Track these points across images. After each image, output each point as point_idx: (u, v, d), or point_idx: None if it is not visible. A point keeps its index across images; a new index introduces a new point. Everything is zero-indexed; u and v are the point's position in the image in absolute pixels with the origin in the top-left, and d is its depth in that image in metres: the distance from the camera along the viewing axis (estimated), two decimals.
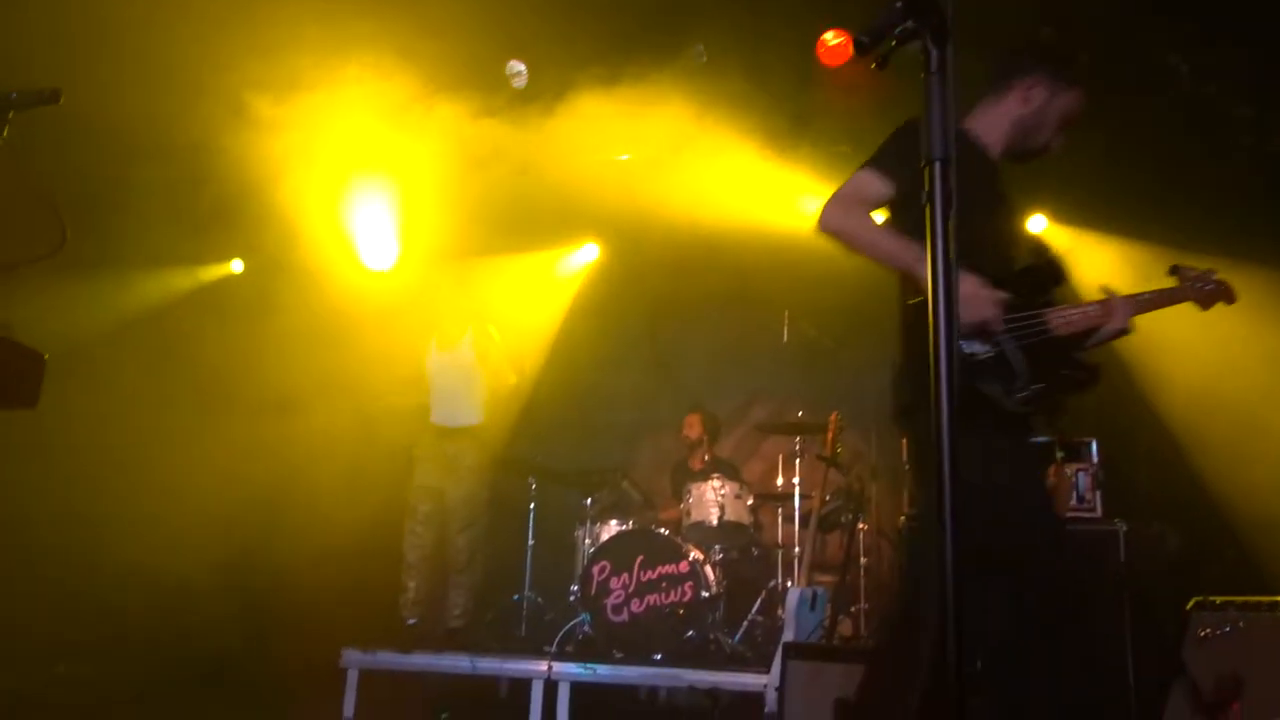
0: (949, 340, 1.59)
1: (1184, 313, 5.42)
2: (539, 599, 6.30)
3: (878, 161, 2.63)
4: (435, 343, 6.15)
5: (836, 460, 5.14)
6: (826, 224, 2.61)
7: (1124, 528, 4.18)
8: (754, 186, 6.54)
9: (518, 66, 5.98)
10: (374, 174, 6.67)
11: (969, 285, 2.44)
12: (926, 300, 2.33)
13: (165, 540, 5.72)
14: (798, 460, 5.95)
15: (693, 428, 6.64)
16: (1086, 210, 6.10)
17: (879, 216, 2.73)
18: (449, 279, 6.56)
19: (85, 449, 5.81)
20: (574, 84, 5.81)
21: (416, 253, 6.96)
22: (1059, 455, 4.07)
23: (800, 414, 6.47)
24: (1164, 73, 5.12)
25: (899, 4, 1.58)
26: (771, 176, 6.50)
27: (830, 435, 5.15)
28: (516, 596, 6.30)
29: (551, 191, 6.74)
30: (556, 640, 5.51)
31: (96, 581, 5.53)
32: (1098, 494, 4.29)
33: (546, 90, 5.95)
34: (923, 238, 2.36)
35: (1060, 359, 2.59)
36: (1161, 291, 2.87)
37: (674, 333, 7.61)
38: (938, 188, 1.57)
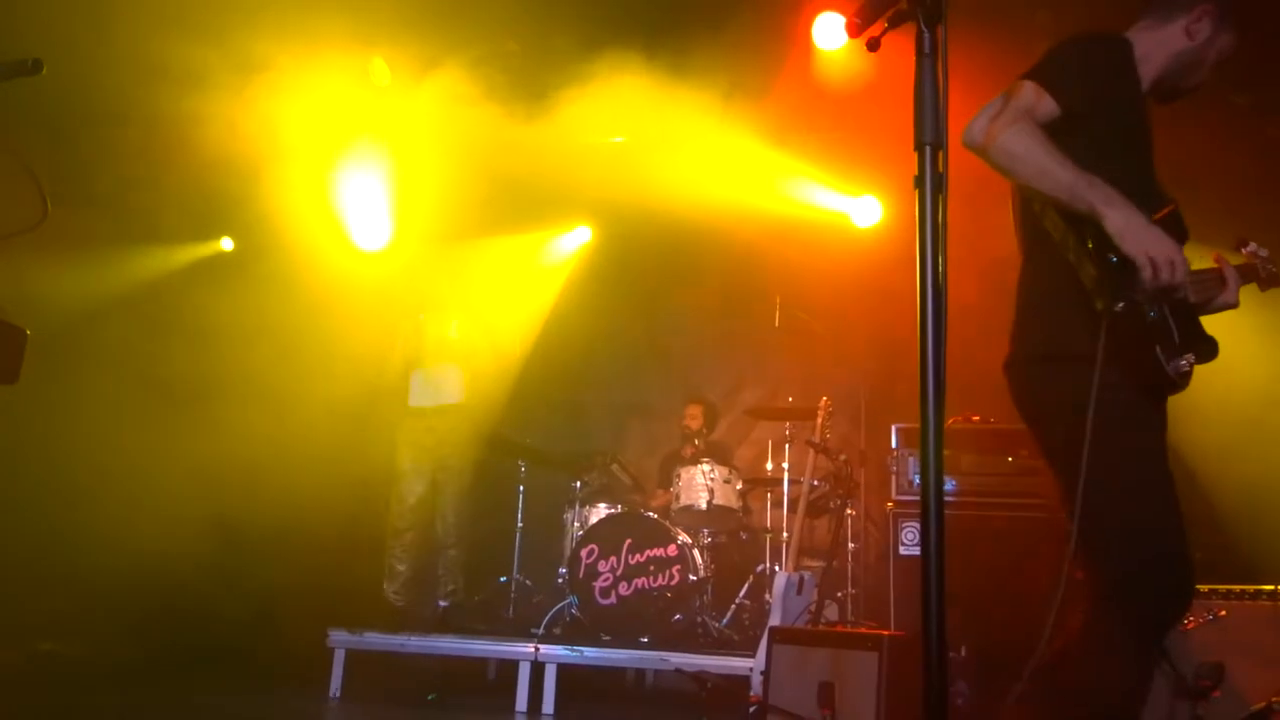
0: (937, 328, 1.58)
1: None
2: (527, 581, 6.30)
3: (1045, 75, 2.25)
4: (424, 321, 6.14)
5: (826, 445, 5.14)
6: (985, 138, 2.16)
7: None
8: (747, 171, 6.52)
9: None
10: (366, 155, 6.63)
11: (1170, 243, 2.11)
12: (1107, 244, 2.10)
13: (149, 519, 5.70)
14: (787, 445, 5.96)
15: (695, 419, 6.63)
16: None
17: None
18: (441, 260, 6.54)
19: (66, 428, 5.78)
20: (568, 66, 5.77)
21: (409, 234, 6.92)
22: None
23: (790, 399, 6.47)
24: None
25: None
26: (764, 161, 6.48)
27: (820, 420, 5.15)
28: (504, 578, 6.30)
29: (545, 174, 6.71)
30: (544, 622, 5.52)
31: (80, 561, 5.51)
32: None
33: (541, 72, 5.91)
34: (1089, 167, 2.14)
35: (1195, 328, 2.31)
36: (1242, 266, 2.66)
37: (666, 316, 7.60)
38: (928, 172, 1.57)
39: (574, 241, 7.73)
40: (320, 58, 5.82)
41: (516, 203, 6.98)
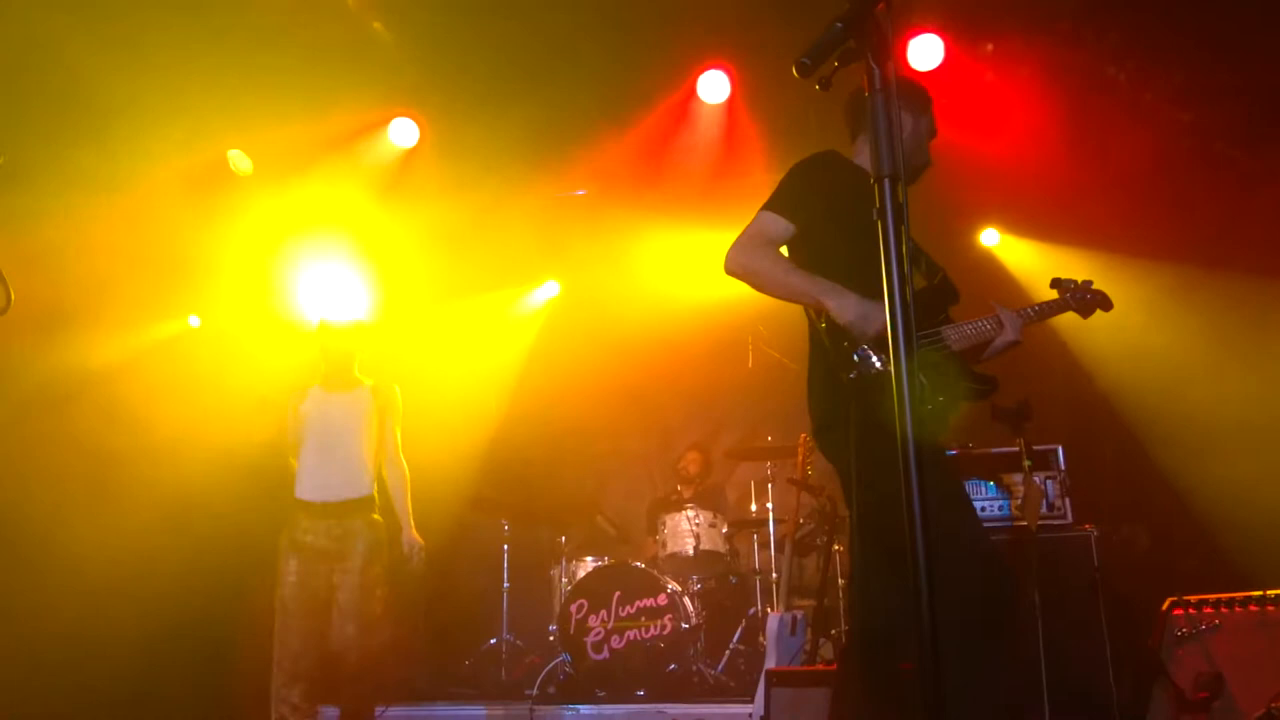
0: (907, 351, 1.59)
1: (1143, 317, 5.50)
2: (518, 641, 6.21)
3: (776, 202, 2.75)
4: (320, 385, 4.59)
5: (808, 483, 5.13)
6: (734, 266, 2.69)
7: (1095, 533, 4.21)
8: (712, 210, 6.57)
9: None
10: (333, 225, 6.59)
11: (878, 309, 2.46)
12: (836, 325, 2.50)
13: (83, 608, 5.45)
14: (770, 485, 5.94)
15: (694, 463, 6.62)
16: (1039, 221, 6.18)
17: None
18: (411, 326, 6.49)
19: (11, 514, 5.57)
20: (527, 122, 5.81)
21: (377, 303, 6.86)
22: (1027, 464, 4.09)
23: (769, 438, 6.47)
24: (1102, 80, 5.23)
25: (839, 25, 1.59)
26: (729, 198, 6.53)
27: (800, 457, 5.15)
28: (494, 640, 6.20)
29: (508, 231, 6.73)
30: (538, 682, 5.43)
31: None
32: (1067, 500, 4.31)
33: (502, 128, 5.93)
34: (823, 270, 2.60)
35: (959, 373, 2.75)
36: (1045, 304, 3.06)
37: (639, 364, 7.59)
38: (888, 203, 1.58)
39: (542, 296, 7.74)
40: (282, 130, 5.83)
41: (480, 262, 6.98)
